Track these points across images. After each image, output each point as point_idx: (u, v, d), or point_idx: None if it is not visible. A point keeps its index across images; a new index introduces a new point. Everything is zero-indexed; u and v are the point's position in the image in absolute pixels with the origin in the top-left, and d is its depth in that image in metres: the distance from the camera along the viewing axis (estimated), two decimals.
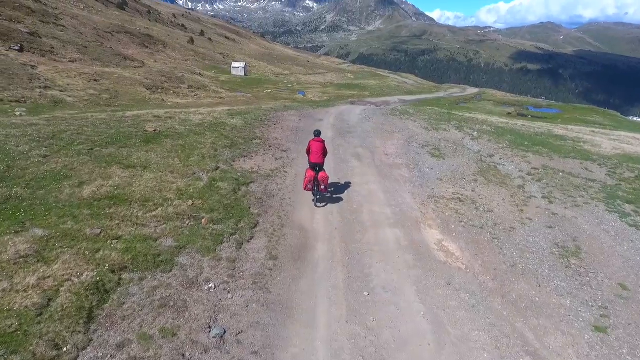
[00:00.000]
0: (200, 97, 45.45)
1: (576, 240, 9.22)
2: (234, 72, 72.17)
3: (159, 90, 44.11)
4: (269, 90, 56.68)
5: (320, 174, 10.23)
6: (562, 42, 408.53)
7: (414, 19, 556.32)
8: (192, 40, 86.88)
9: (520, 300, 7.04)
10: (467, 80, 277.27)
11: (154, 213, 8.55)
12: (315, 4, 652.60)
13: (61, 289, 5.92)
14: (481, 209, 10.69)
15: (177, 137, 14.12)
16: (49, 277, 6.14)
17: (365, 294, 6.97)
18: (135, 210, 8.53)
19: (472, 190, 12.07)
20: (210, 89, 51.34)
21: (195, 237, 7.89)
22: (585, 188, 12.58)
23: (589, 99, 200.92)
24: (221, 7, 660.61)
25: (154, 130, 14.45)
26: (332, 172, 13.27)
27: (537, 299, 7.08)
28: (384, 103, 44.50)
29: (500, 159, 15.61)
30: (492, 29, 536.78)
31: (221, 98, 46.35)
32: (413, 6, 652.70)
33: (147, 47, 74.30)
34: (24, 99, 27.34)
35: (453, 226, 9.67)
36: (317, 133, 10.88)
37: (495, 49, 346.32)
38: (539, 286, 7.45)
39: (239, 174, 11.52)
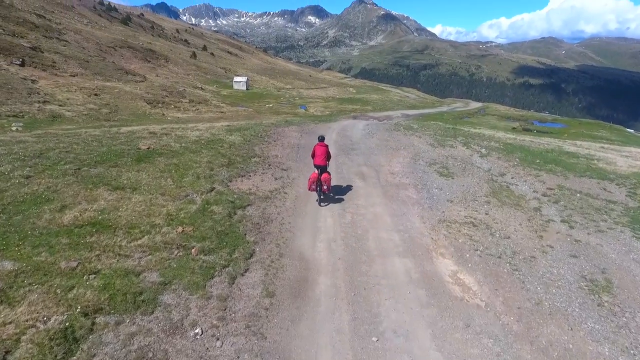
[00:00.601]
0: (201, 111, 45.07)
1: (605, 272, 8.36)
2: (235, 86, 72.13)
3: (160, 105, 43.83)
4: (271, 105, 56.35)
5: (323, 175, 10.98)
6: (564, 57, 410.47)
7: (415, 34, 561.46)
8: (194, 55, 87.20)
9: (552, 348, 6.16)
10: (469, 94, 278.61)
11: (139, 242, 7.76)
12: (317, 20, 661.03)
13: (23, 337, 5.12)
14: (497, 235, 9.86)
15: (172, 155, 13.41)
16: (10, 322, 5.34)
17: (374, 339, 6.11)
18: (119, 239, 7.75)
19: (486, 214, 11.25)
20: (211, 103, 51.02)
21: (183, 271, 7.08)
22: (607, 211, 11.74)
23: (592, 114, 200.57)
24: (224, 22, 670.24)
25: (148, 148, 13.76)
26: (335, 193, 12.52)
27: (571, 346, 6.21)
28: (386, 117, 43.99)
29: (512, 178, 14.82)
30: (493, 43, 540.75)
31: (222, 112, 45.93)
32: (415, 21, 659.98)
33: (150, 61, 74.51)
34: (21, 114, 26.90)
35: (468, 255, 8.83)
36: (321, 138, 11.77)
37: (497, 63, 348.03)
38: (571, 329, 6.58)
39: (235, 196, 10.75)
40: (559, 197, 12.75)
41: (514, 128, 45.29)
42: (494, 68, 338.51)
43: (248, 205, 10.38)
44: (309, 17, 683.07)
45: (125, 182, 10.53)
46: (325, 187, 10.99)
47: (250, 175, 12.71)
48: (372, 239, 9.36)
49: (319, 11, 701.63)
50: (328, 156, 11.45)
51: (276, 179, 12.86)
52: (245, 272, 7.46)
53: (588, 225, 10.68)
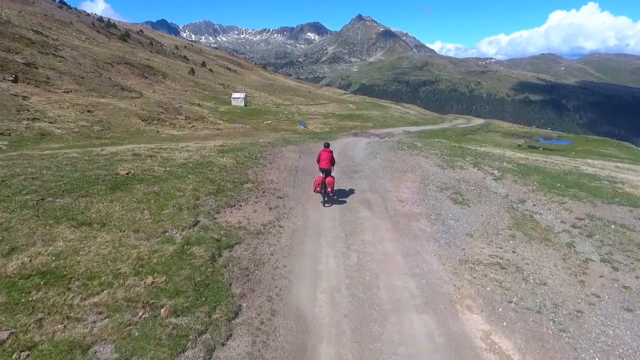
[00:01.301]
0: (197, 128, 43.94)
1: None
2: (234, 102, 71.25)
3: (155, 122, 42.79)
4: (269, 121, 55.23)
5: (328, 178, 12.24)
6: (563, 73, 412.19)
7: (414, 50, 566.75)
8: (192, 71, 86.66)
9: None
10: (469, 110, 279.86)
11: (96, 299, 6.26)
12: (316, 37, 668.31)
13: None
14: (531, 281, 8.35)
15: (154, 182, 11.94)
16: None
17: None
18: (72, 295, 6.25)
19: (513, 251, 9.75)
20: (208, 119, 49.93)
21: (147, 342, 5.55)
22: None
23: (593, 130, 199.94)
24: (224, 39, 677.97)
25: (127, 173, 12.31)
26: (338, 224, 11.04)
27: None
28: (388, 135, 42.83)
29: (535, 205, 13.35)
30: (493, 60, 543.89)
31: (219, 129, 44.77)
32: (413, 38, 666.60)
33: (147, 77, 73.99)
34: (8, 131, 25.71)
35: (501, 309, 7.31)
36: (327, 145, 13.21)
37: (496, 79, 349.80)
38: None
39: (222, 232, 9.25)
40: (592, 230, 11.26)
41: (519, 145, 44.16)
42: (493, 84, 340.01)
43: (236, 243, 8.87)
44: (309, 33, 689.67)
45: (93, 215, 9.06)
46: (329, 189, 12.20)
47: (241, 205, 11.23)
48: (384, 288, 7.84)
49: (318, 28, 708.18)
50: (332, 161, 12.66)
51: (270, 209, 11.36)
52: (228, 339, 5.92)
53: (634, 266, 9.17)
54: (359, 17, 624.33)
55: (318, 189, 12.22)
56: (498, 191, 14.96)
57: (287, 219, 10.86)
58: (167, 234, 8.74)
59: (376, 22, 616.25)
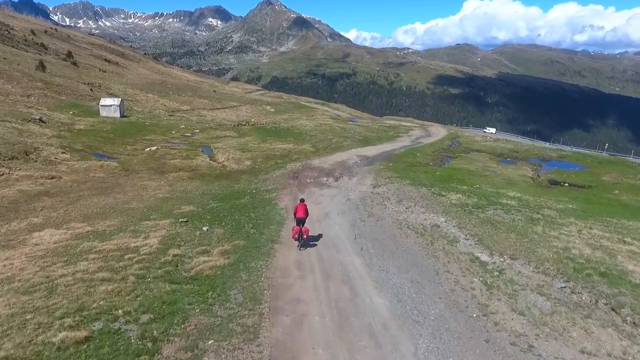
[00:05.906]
0: (9, 178, 25.63)
1: None
2: (103, 112, 52.29)
3: None
4: (154, 148, 38.08)
5: (304, 228, 14.67)
6: (480, 64, 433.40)
7: (329, 39, 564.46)
8: (41, 66, 64.86)
9: None
10: (389, 104, 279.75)
11: None
12: (219, 22, 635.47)
13: None
14: None
15: None
16: None
17: None
18: None
19: None
20: (40, 154, 31.32)
21: None
22: None
23: (515, 127, 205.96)
24: (107, 24, 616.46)
25: None
26: None
27: None
28: (341, 167, 29.59)
29: None
30: (410, 50, 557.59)
31: (53, 177, 26.85)
32: (328, 26, 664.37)
33: None
34: None
35: None
36: (302, 200, 15.81)
37: (415, 71, 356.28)
38: None
39: None
40: None
41: (532, 179, 33.29)
42: (413, 76, 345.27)
43: None
44: (210, 19, 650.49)
45: None
46: (305, 236, 14.68)
47: None
48: None
49: (221, 12, 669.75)
50: (307, 212, 15.08)
51: None
52: None
53: None
54: (267, 2, 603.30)
55: (296, 236, 14.58)
56: None
57: None
58: None
59: (286, 7, 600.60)
